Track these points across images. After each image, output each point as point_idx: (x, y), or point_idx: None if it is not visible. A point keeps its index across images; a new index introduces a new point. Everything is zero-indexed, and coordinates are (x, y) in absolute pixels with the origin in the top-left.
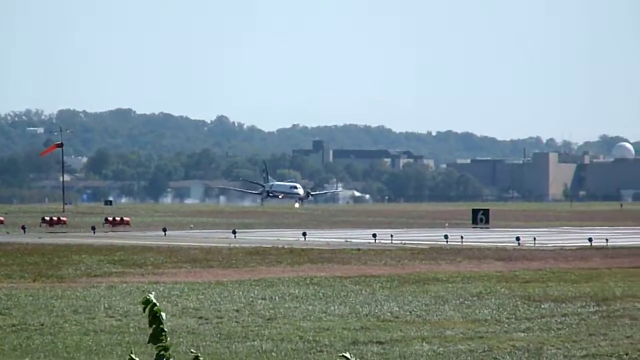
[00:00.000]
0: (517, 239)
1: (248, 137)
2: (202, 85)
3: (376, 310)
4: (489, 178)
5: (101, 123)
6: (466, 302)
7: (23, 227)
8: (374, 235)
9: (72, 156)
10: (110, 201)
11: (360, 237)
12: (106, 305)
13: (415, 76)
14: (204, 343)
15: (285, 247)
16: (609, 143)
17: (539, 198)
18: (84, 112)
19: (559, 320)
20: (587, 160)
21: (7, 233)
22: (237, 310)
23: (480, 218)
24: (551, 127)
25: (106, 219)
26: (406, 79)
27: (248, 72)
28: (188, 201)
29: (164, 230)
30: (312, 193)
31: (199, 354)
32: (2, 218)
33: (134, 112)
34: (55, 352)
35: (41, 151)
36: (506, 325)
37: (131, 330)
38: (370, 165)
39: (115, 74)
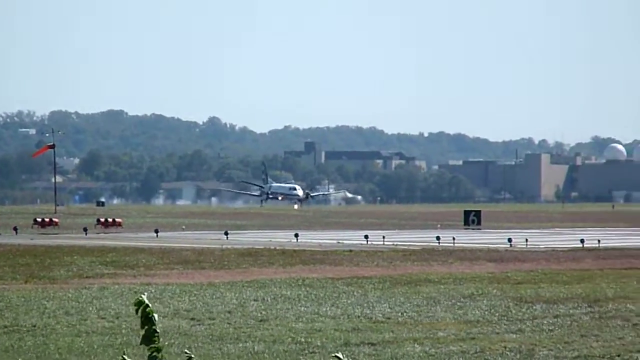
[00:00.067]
0: (509, 240)
1: (240, 139)
2: (194, 87)
3: (368, 312)
4: (481, 179)
5: (93, 124)
6: (458, 303)
7: (15, 229)
8: (366, 237)
9: (64, 157)
10: (102, 202)
11: (352, 238)
12: (98, 306)
13: (407, 78)
14: (196, 344)
15: (278, 248)
16: (601, 144)
17: (531, 199)
18: (76, 113)
19: (550, 322)
20: (579, 161)
21: None
22: (229, 312)
23: (472, 219)
24: (543, 128)
25: (98, 220)
26: (398, 81)
27: (240, 74)
28: (180, 202)
29: (156, 231)
30: (311, 194)
31: (192, 355)
32: None
33: (126, 113)
34: (47, 354)
35: (33, 152)
36: (498, 327)
37: (123, 331)
38: (362, 167)
39: (107, 76)
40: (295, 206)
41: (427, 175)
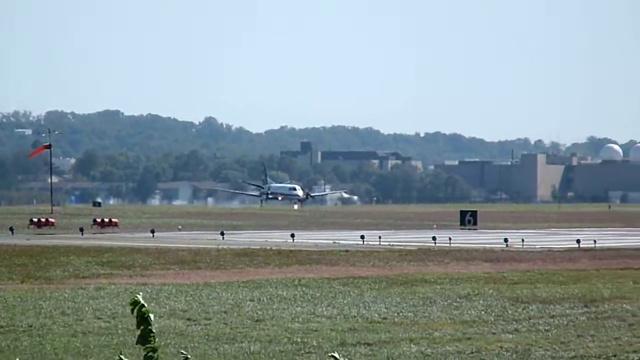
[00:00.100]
0: (505, 240)
1: (236, 139)
2: (190, 87)
3: (364, 312)
4: (477, 179)
5: (89, 124)
6: (454, 303)
7: (11, 229)
8: (362, 237)
9: (60, 157)
10: (99, 202)
11: (349, 238)
12: (94, 306)
13: (403, 78)
14: (192, 344)
15: (274, 248)
16: (597, 144)
17: (527, 199)
18: (72, 113)
19: (547, 322)
20: (575, 161)
21: None
22: (225, 312)
23: (468, 219)
24: (539, 128)
25: (94, 221)
26: (394, 81)
27: (236, 74)
28: (176, 202)
29: (152, 231)
30: (311, 195)
31: (189, 356)
32: None
33: (122, 113)
34: (44, 354)
35: (29, 152)
36: (494, 327)
37: (119, 331)
38: (359, 167)
39: (103, 76)
40: (296, 206)
41: (423, 175)
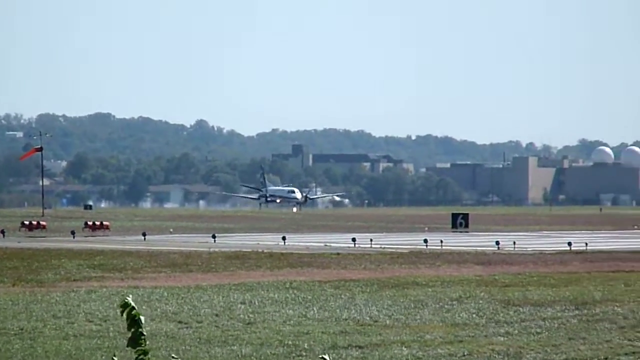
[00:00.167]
0: (497, 243)
1: (227, 142)
2: (181, 90)
3: (355, 315)
4: (468, 182)
5: (80, 127)
6: (446, 306)
7: (2, 232)
8: (354, 240)
9: (52, 160)
10: (90, 205)
11: (340, 241)
12: (86, 309)
13: (395, 81)
14: (184, 347)
15: (265, 251)
16: (588, 147)
17: (518, 202)
18: (64, 116)
19: (538, 325)
20: (566, 164)
21: None
22: (217, 315)
23: (459, 222)
24: (531, 131)
25: (86, 223)
26: (386, 84)
27: (227, 77)
28: (168, 205)
29: (144, 234)
30: (310, 197)
31: (180, 358)
32: None
33: (114, 116)
34: (35, 357)
35: (20, 155)
36: (485, 329)
37: (111, 334)
38: (350, 170)
39: (94, 79)
40: (294, 209)
41: (414, 178)
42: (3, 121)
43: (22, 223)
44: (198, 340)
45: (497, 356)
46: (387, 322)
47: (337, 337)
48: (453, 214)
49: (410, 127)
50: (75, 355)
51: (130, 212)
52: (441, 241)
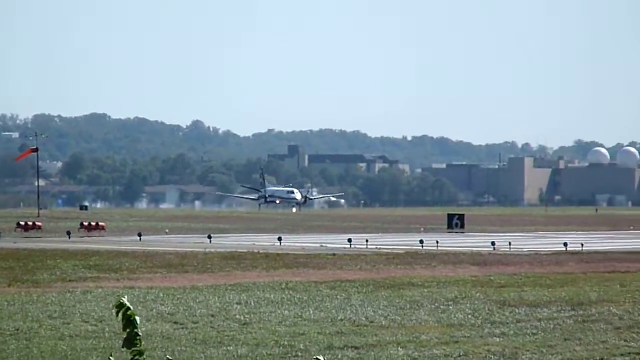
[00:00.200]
0: (493, 243)
1: (223, 142)
2: (177, 90)
3: (351, 315)
4: (464, 183)
5: (76, 128)
6: (441, 306)
7: None
8: (349, 240)
9: (47, 161)
10: (86, 206)
11: (336, 241)
12: (81, 310)
13: (391, 81)
14: (179, 348)
15: (261, 251)
16: (584, 148)
17: (514, 203)
18: (59, 116)
19: (534, 325)
20: (562, 165)
21: None
22: (213, 315)
23: (455, 223)
24: (526, 132)
25: (81, 224)
26: (382, 84)
27: (223, 77)
28: (163, 206)
29: (139, 235)
30: (309, 198)
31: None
32: None
33: (109, 116)
34: (30, 357)
35: (16, 156)
36: (481, 330)
37: (106, 335)
38: (346, 170)
39: (90, 79)
40: (294, 209)
41: (410, 178)
42: None
43: (18, 223)
44: (194, 340)
45: (492, 357)
46: (383, 322)
47: (332, 337)
48: (449, 215)
49: (406, 127)
50: (71, 355)
51: (125, 213)
52: (437, 242)
